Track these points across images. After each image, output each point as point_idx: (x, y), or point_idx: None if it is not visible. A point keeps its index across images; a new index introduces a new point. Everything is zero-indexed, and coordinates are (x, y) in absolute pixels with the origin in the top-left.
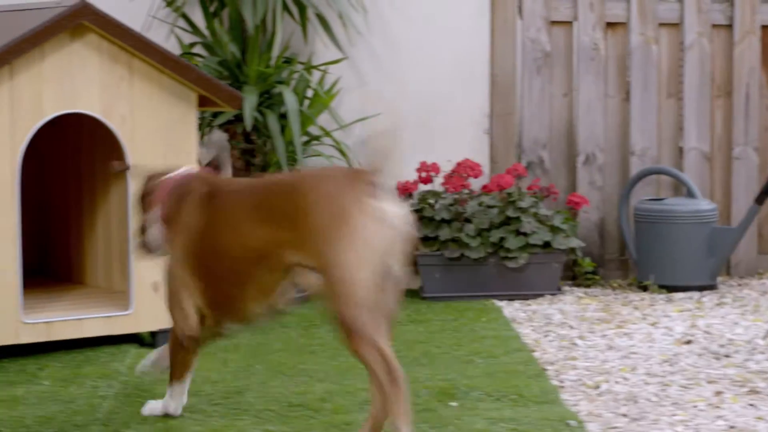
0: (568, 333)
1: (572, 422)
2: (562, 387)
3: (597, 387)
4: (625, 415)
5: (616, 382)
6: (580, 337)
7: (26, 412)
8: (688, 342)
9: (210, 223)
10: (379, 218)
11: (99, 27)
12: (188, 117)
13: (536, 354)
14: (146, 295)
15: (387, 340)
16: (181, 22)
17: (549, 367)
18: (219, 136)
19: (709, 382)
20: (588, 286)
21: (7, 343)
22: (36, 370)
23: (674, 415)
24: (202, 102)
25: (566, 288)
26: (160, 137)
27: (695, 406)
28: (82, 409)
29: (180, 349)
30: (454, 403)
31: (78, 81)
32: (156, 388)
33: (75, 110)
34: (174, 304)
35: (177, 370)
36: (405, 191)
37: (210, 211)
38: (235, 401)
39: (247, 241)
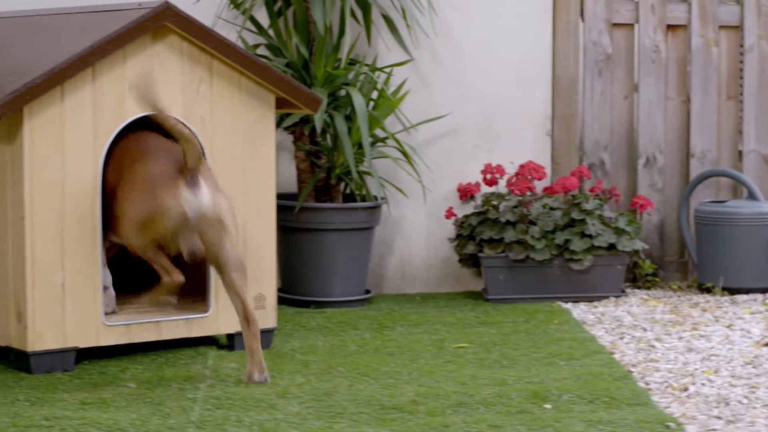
0: (643, 335)
1: (671, 425)
2: (649, 389)
3: (685, 389)
4: (719, 417)
5: (703, 384)
6: (657, 339)
7: (118, 415)
8: None
9: (118, 167)
10: (182, 202)
11: (181, 29)
12: (266, 119)
13: (616, 356)
14: (224, 297)
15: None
16: (246, 23)
17: (632, 369)
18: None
19: None
20: (648, 288)
21: (88, 346)
22: (117, 372)
23: None
24: (279, 104)
25: (627, 290)
26: (239, 139)
27: None
28: (173, 411)
29: None
30: (547, 405)
31: (159, 83)
32: (244, 392)
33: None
34: None
35: None
36: (467, 193)
37: (121, 156)
38: (327, 404)
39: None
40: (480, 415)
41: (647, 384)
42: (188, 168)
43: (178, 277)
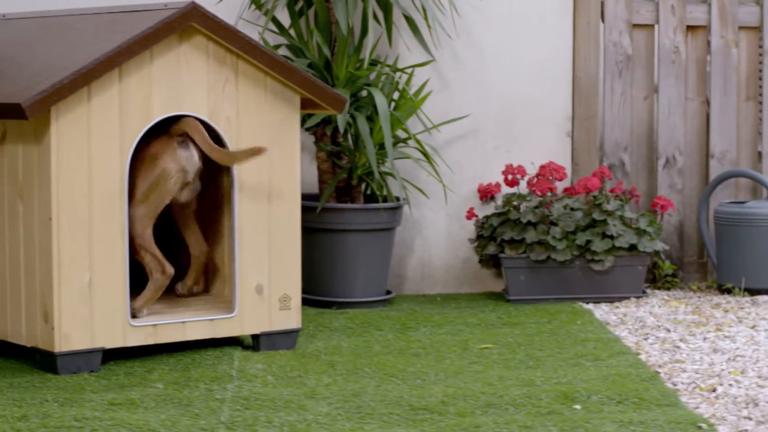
0: (667, 336)
1: (703, 425)
2: (677, 390)
3: (713, 390)
4: (749, 418)
5: (730, 385)
6: (681, 340)
7: (148, 415)
8: None
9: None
10: (177, 159)
11: (207, 29)
12: (292, 119)
13: (641, 357)
14: (249, 298)
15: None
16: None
17: (659, 370)
18: None
19: None
20: (668, 289)
21: (115, 346)
22: (144, 372)
23: None
24: (302, 104)
25: (647, 290)
26: (265, 139)
27: None
28: (202, 412)
29: None
30: (577, 406)
31: (185, 83)
32: (273, 392)
33: (182, 112)
34: None
35: None
36: (487, 194)
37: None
38: (356, 404)
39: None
40: (510, 416)
41: (675, 385)
42: (178, 133)
43: (170, 270)
